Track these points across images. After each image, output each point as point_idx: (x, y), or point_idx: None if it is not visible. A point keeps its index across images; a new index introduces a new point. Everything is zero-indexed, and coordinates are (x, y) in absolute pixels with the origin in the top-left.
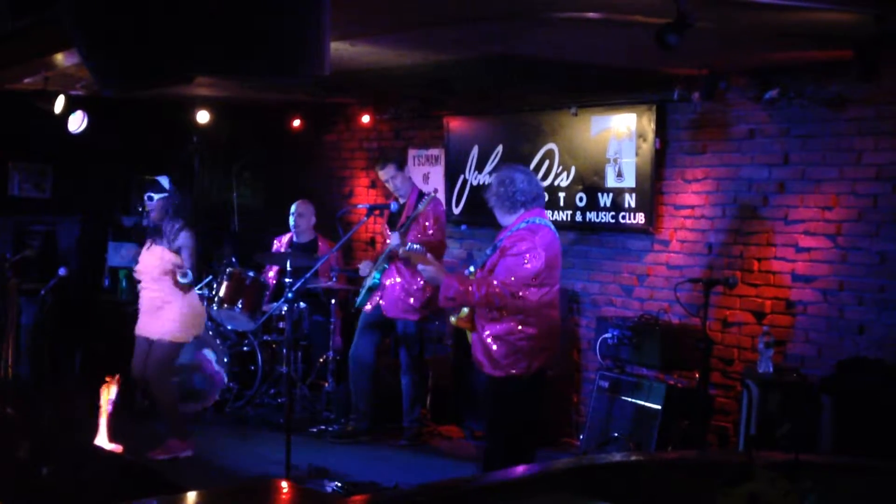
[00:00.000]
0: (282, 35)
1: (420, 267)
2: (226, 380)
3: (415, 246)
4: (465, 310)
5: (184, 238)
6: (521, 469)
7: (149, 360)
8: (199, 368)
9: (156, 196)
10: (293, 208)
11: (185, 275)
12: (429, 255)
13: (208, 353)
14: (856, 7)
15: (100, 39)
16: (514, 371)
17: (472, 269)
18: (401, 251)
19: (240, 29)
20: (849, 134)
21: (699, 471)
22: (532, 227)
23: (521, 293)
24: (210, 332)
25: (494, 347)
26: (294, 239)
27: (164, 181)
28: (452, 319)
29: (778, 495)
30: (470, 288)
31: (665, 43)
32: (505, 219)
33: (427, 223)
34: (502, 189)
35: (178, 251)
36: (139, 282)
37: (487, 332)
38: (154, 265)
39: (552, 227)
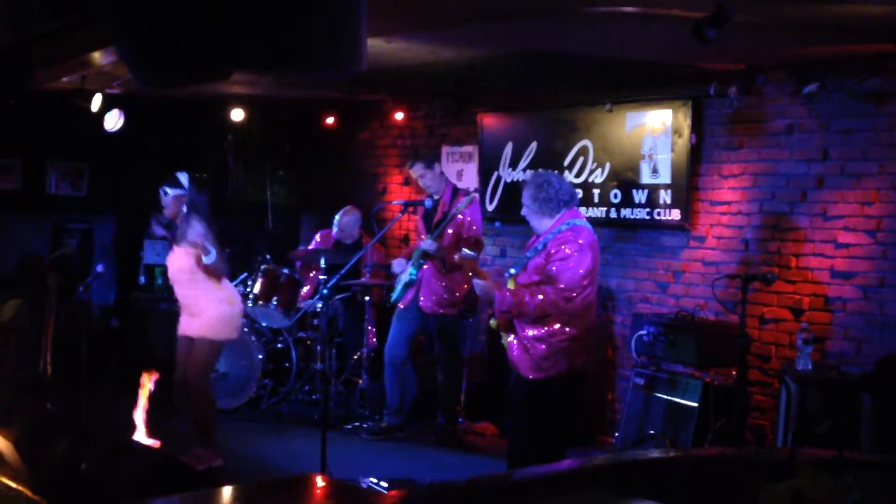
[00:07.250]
0: (319, 31)
1: (474, 281)
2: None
3: (468, 252)
4: None
5: (196, 229)
6: (560, 466)
7: (188, 360)
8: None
9: (170, 191)
10: (338, 217)
11: (207, 253)
12: (484, 268)
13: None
14: None
15: (139, 36)
16: (553, 373)
17: (512, 270)
18: (456, 257)
19: (278, 25)
20: (890, 128)
21: (740, 467)
22: (574, 229)
23: (573, 296)
24: (245, 329)
25: (538, 348)
26: (337, 237)
27: (183, 177)
28: (493, 322)
29: (822, 492)
30: (524, 299)
31: (703, 37)
32: (543, 222)
33: (467, 220)
34: (542, 193)
35: (194, 244)
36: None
37: (530, 334)
38: (179, 268)
39: (590, 226)
